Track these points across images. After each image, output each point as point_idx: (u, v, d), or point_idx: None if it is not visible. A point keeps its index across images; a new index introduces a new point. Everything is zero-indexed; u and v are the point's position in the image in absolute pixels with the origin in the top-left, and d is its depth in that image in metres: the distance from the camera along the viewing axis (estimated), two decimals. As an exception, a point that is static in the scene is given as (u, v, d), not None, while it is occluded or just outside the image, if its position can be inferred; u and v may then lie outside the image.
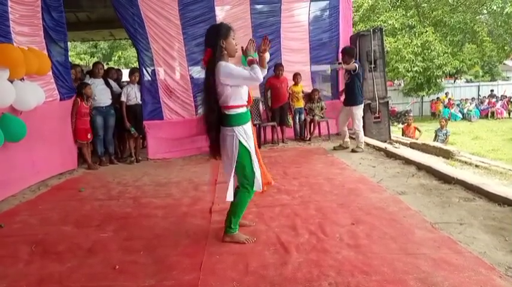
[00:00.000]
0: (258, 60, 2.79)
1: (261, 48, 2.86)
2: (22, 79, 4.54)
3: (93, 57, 24.11)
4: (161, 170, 5.67)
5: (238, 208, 2.86)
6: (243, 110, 2.79)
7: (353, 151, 6.12)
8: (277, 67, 7.04)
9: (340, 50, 7.76)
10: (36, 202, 4.25)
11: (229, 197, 2.81)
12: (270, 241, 2.85)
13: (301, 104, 7.45)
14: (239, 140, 2.72)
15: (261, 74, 2.70)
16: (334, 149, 6.38)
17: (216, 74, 2.66)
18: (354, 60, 6.24)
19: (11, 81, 4.18)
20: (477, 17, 19.31)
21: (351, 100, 6.28)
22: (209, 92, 2.73)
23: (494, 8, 17.79)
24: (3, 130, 3.99)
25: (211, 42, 2.72)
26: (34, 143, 4.79)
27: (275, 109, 7.22)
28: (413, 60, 17.79)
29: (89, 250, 2.88)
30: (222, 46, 2.70)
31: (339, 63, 6.11)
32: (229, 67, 2.66)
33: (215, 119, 2.75)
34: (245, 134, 2.75)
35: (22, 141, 4.38)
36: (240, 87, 2.75)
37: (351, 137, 6.59)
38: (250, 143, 2.79)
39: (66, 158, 5.61)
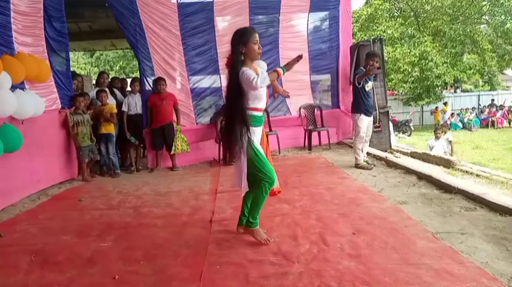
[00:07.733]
0: (280, 73, 2.92)
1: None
2: (24, 88, 4.57)
3: (97, 67, 24.22)
4: (161, 179, 5.67)
5: (257, 205, 2.97)
6: (259, 113, 2.94)
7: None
8: None
9: (340, 59, 7.82)
10: (36, 212, 4.23)
11: (245, 188, 2.91)
12: (271, 250, 2.83)
13: None
14: (252, 140, 2.84)
15: (260, 84, 2.75)
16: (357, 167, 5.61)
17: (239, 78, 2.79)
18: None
19: (13, 91, 4.20)
20: (477, 27, 19.47)
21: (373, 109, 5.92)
22: (233, 95, 2.84)
23: (491, 20, 18.03)
24: (2, 140, 3.97)
25: (232, 48, 2.87)
26: (34, 152, 4.80)
27: None
28: (409, 71, 17.88)
29: (89, 259, 2.86)
30: (241, 51, 2.82)
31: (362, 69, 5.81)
32: (243, 74, 2.75)
33: (240, 119, 2.79)
34: (254, 135, 2.87)
35: (22, 150, 4.38)
36: (258, 91, 2.84)
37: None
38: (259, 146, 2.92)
39: (66, 167, 5.61)
